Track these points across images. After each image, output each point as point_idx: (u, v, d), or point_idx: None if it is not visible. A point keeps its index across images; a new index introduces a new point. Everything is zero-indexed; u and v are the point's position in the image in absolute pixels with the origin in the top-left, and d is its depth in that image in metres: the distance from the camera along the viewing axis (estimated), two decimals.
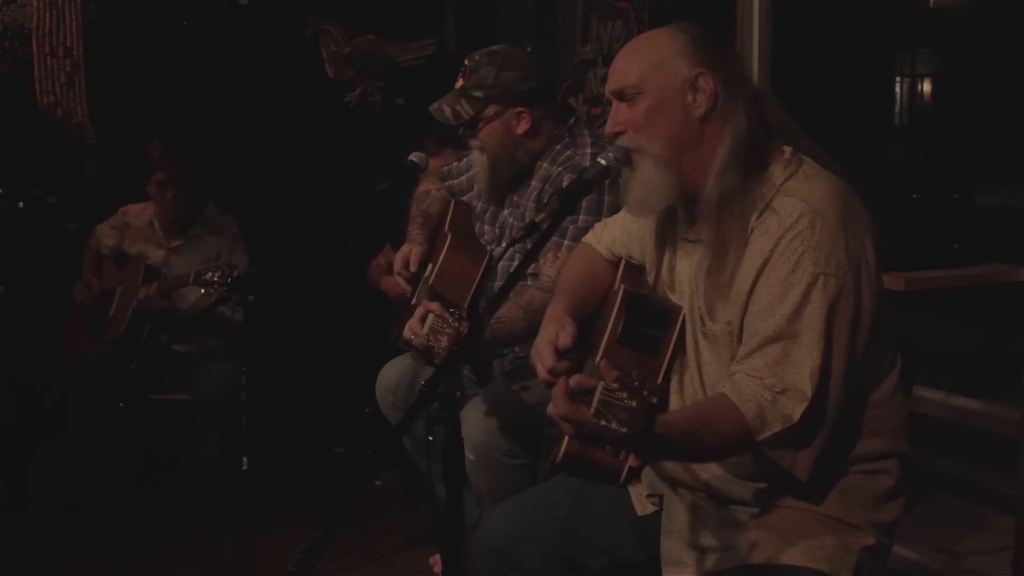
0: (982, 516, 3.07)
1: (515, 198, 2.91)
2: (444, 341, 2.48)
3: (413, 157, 3.01)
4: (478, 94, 2.83)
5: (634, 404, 1.46)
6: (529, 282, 2.82)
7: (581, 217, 2.67)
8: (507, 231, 2.93)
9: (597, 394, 1.49)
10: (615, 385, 1.47)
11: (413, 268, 2.97)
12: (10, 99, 4.32)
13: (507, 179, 2.90)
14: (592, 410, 1.49)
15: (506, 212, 2.95)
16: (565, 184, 2.40)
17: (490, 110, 2.84)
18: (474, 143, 2.90)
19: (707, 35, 1.87)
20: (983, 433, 2.94)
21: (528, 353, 2.02)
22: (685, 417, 1.69)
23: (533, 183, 2.86)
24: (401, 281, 3.02)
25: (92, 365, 3.91)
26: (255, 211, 4.26)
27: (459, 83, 2.89)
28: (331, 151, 4.71)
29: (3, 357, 3.93)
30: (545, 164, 2.85)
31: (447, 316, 2.51)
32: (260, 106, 4.63)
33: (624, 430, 1.47)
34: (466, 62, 2.90)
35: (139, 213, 4.14)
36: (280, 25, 4.69)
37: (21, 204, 4.37)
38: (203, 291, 3.42)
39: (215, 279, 3.31)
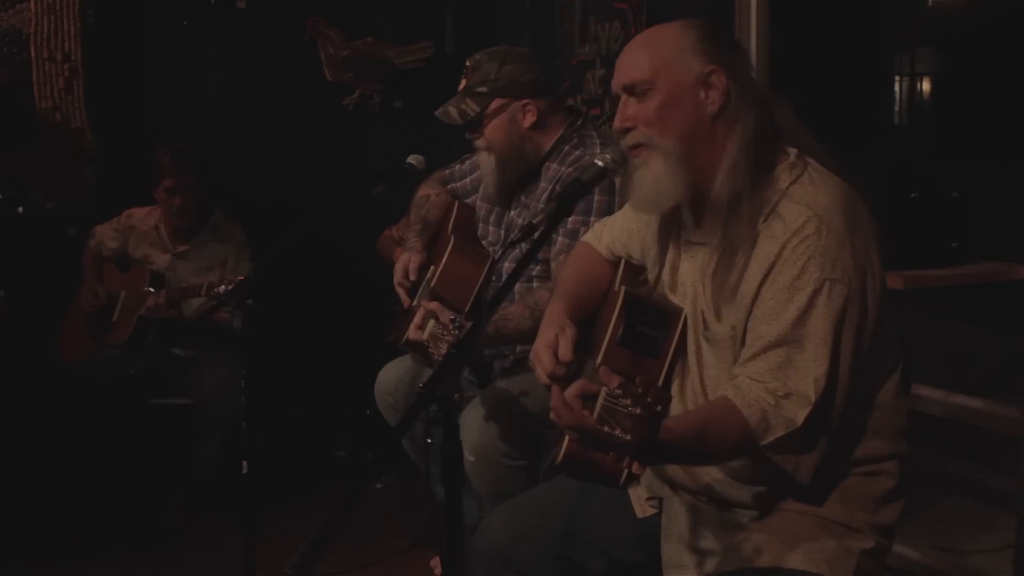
0: (983, 515, 3.06)
1: (523, 199, 2.90)
2: (444, 348, 2.48)
3: (411, 160, 3.01)
4: (482, 89, 2.82)
5: (638, 411, 1.45)
6: (535, 284, 2.82)
7: (592, 219, 2.64)
8: (513, 232, 2.92)
9: (600, 400, 1.48)
10: (618, 391, 1.46)
11: (412, 277, 2.97)
12: (9, 104, 4.32)
13: (516, 176, 2.87)
14: (595, 416, 1.48)
15: (513, 213, 2.94)
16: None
17: (495, 104, 2.83)
18: (480, 143, 2.88)
19: (717, 32, 1.85)
20: (983, 431, 2.93)
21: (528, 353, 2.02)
22: (688, 422, 1.68)
23: (542, 184, 2.85)
24: (401, 292, 3.01)
25: (94, 369, 3.92)
26: (254, 214, 4.26)
27: (462, 85, 2.89)
28: (329, 154, 4.71)
29: (3, 361, 3.93)
30: (554, 165, 2.84)
31: (448, 323, 2.50)
32: (258, 110, 4.63)
33: (628, 438, 1.46)
34: (468, 63, 2.90)
35: (144, 217, 4.13)
36: (279, 28, 4.69)
37: (20, 209, 4.37)
38: (214, 303, 3.18)
39: (227, 292, 3.01)
